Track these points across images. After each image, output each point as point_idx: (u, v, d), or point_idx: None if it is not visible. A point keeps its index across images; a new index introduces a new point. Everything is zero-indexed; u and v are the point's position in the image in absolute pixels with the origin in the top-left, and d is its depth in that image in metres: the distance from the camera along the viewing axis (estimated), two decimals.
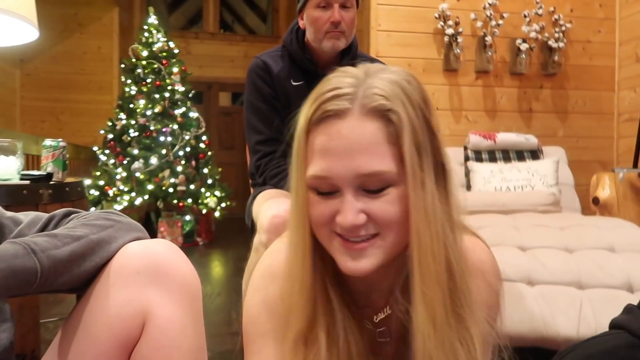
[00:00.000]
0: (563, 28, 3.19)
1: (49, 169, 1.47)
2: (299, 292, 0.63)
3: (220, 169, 4.97)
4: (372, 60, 1.65)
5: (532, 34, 3.15)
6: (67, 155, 1.56)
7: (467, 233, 0.68)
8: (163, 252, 0.70)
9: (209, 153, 4.82)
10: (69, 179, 1.56)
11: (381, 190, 0.57)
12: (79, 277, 0.67)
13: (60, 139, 1.55)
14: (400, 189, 0.57)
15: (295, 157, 0.62)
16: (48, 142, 1.51)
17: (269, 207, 1.32)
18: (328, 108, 0.58)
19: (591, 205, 2.58)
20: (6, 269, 0.58)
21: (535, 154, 2.93)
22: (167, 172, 4.37)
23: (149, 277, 0.68)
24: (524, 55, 3.17)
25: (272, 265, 0.69)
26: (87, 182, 4.25)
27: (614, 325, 0.73)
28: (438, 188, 0.58)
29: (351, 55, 1.56)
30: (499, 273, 0.72)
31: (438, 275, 0.57)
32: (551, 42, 3.18)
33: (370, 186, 0.57)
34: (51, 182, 1.40)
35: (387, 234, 0.58)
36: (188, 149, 4.58)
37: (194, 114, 4.72)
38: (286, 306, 0.64)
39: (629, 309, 0.73)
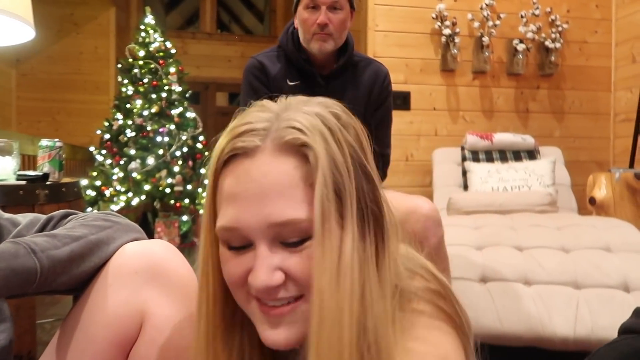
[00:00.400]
0: (560, 29, 3.20)
1: (45, 169, 1.46)
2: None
3: None
4: (370, 61, 1.64)
5: (529, 35, 3.15)
6: (64, 156, 1.56)
7: (411, 304, 0.51)
8: (161, 252, 0.71)
9: (206, 153, 4.81)
10: (66, 180, 1.55)
11: (301, 243, 0.47)
12: (77, 277, 0.67)
13: (56, 139, 1.54)
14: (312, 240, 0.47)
15: (205, 205, 0.53)
16: (44, 142, 1.50)
17: None
18: (237, 145, 0.48)
19: (588, 205, 2.59)
20: (6, 268, 0.58)
21: (532, 154, 2.94)
22: (164, 173, 4.36)
23: (146, 277, 0.68)
24: (520, 56, 3.18)
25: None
26: (84, 182, 4.23)
27: (625, 329, 0.72)
28: (363, 245, 0.47)
29: (347, 55, 1.54)
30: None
31: (342, 351, 0.44)
32: (548, 43, 3.18)
33: (288, 238, 0.47)
34: (47, 183, 1.39)
35: (302, 301, 0.48)
36: (185, 149, 4.58)
37: (191, 114, 4.71)
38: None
39: (638, 312, 0.72)
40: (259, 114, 0.50)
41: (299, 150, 0.47)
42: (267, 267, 0.46)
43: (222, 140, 0.50)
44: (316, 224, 0.45)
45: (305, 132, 0.47)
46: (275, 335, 0.48)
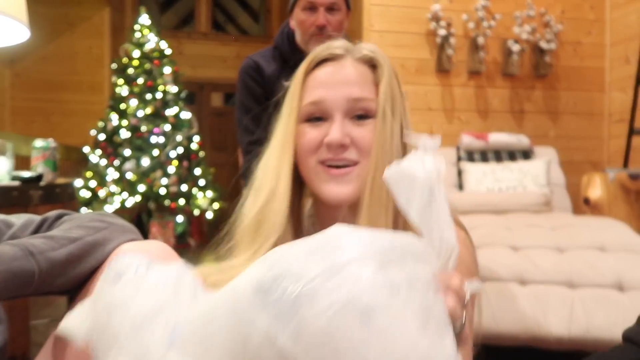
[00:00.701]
0: (554, 29, 3.22)
1: (40, 169, 1.45)
2: (277, 208, 0.65)
3: (212, 170, 4.95)
4: None
5: (524, 35, 3.17)
6: (58, 156, 1.55)
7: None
8: (157, 252, 0.71)
9: (201, 154, 4.81)
10: (60, 180, 1.54)
11: (365, 118, 0.65)
12: (74, 278, 0.67)
13: (50, 140, 1.54)
14: (374, 125, 0.65)
15: (290, 97, 0.69)
16: (38, 142, 1.49)
17: None
18: (324, 54, 0.68)
19: (582, 205, 2.60)
20: (5, 271, 0.58)
21: (527, 155, 2.95)
22: (158, 173, 4.35)
23: None
24: (515, 57, 3.19)
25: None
26: (78, 183, 4.22)
27: (626, 337, 0.71)
28: (399, 139, 0.65)
29: None
30: (471, 241, 0.72)
31: (387, 202, 0.60)
32: (542, 44, 3.20)
33: (357, 111, 0.65)
34: (41, 183, 1.38)
35: (363, 164, 0.64)
36: (180, 150, 4.56)
37: (186, 115, 4.70)
38: (260, 218, 0.66)
39: None
40: (334, 43, 0.70)
41: (370, 62, 0.68)
42: (341, 129, 0.63)
43: (313, 53, 0.70)
44: (379, 107, 0.64)
45: (375, 53, 0.68)
46: (337, 189, 0.63)
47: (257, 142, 1.52)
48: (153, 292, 0.49)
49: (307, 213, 0.73)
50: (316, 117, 0.66)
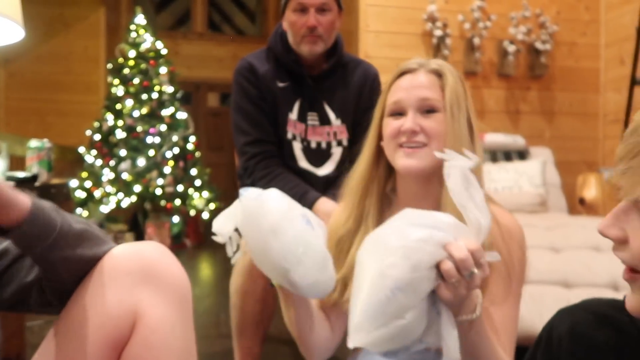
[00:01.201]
0: (549, 30, 3.23)
1: (35, 170, 1.45)
2: (359, 175, 0.94)
3: (208, 170, 4.94)
4: (359, 61, 1.65)
5: (519, 36, 3.18)
6: (53, 156, 1.55)
7: (490, 201, 0.90)
8: (153, 253, 0.72)
9: (197, 154, 4.80)
10: (55, 181, 1.54)
11: (431, 112, 0.87)
12: (79, 261, 0.68)
13: (45, 140, 1.53)
14: (442, 118, 0.86)
15: (380, 100, 0.94)
16: (33, 143, 1.49)
17: None
18: (404, 68, 0.92)
19: (577, 205, 2.61)
20: (37, 208, 0.63)
21: (522, 155, 2.96)
22: (154, 174, 4.34)
23: (139, 278, 0.69)
24: (511, 57, 3.20)
25: None
26: (73, 183, 4.20)
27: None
28: (466, 127, 0.87)
29: (337, 56, 1.54)
30: (524, 238, 0.94)
31: None
32: (538, 44, 3.21)
33: (425, 107, 0.87)
34: (36, 184, 1.38)
35: (432, 146, 0.85)
36: (176, 150, 4.55)
37: (182, 115, 4.69)
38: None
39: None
40: (411, 61, 0.92)
41: (437, 73, 0.89)
42: (413, 120, 0.87)
43: (398, 68, 0.93)
44: (447, 105, 0.86)
45: (441, 66, 0.90)
46: (408, 162, 0.86)
47: (253, 143, 1.51)
48: (280, 200, 0.75)
49: (390, 186, 0.98)
50: (397, 112, 0.89)
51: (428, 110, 0.87)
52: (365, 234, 0.75)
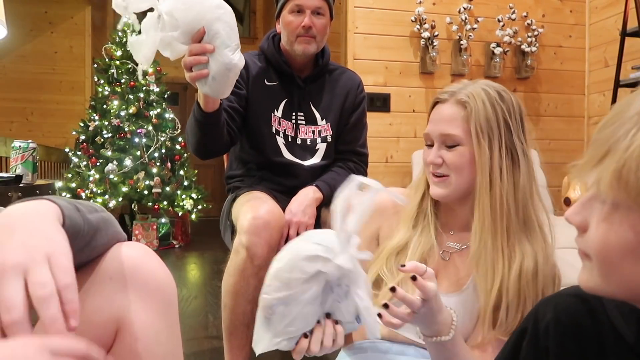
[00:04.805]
0: (535, 33, 3.27)
1: (19, 170, 1.43)
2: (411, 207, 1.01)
3: (196, 171, 4.91)
4: (344, 69, 1.75)
5: (506, 39, 3.21)
6: (38, 157, 1.53)
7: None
8: (136, 256, 0.68)
9: (185, 155, 4.77)
10: (40, 182, 1.52)
11: (453, 147, 0.92)
12: (91, 251, 0.65)
13: (30, 140, 1.51)
14: (467, 150, 0.91)
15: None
16: (17, 143, 1.47)
17: (250, 208, 1.36)
18: (439, 97, 0.96)
19: (563, 205, 2.65)
20: (67, 217, 0.57)
21: None
22: (142, 174, 4.30)
23: (122, 282, 0.66)
24: (498, 59, 3.23)
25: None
26: (59, 184, 4.15)
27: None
28: (501, 150, 0.90)
29: (325, 60, 1.65)
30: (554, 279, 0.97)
31: (491, 211, 0.89)
32: (524, 47, 3.24)
33: (448, 142, 0.92)
34: (21, 184, 1.36)
35: (454, 178, 0.92)
36: (163, 151, 4.52)
37: (169, 115, 4.66)
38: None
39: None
40: (444, 90, 0.96)
41: (462, 104, 0.92)
42: (436, 153, 0.94)
43: (434, 97, 0.98)
44: (473, 137, 0.90)
45: (469, 96, 0.92)
46: (435, 190, 0.95)
47: None
48: None
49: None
50: (427, 143, 0.98)
51: (450, 145, 0.92)
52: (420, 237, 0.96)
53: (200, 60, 1.14)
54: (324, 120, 1.63)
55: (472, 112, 0.90)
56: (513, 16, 3.22)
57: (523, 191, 0.91)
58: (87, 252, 0.64)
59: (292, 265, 0.69)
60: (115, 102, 4.42)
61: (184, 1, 1.08)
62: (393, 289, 0.73)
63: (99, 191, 4.18)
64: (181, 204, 4.49)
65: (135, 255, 0.68)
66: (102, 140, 4.41)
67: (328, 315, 0.73)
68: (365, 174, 1.68)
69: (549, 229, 0.95)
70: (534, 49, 3.25)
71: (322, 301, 0.72)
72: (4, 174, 1.38)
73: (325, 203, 1.51)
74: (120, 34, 4.62)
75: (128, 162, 4.29)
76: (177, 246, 4.58)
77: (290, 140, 1.61)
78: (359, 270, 0.70)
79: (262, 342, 0.73)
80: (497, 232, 0.89)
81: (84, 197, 4.16)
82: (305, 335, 0.72)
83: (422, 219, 0.99)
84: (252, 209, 1.35)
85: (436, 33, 3.13)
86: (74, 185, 4.22)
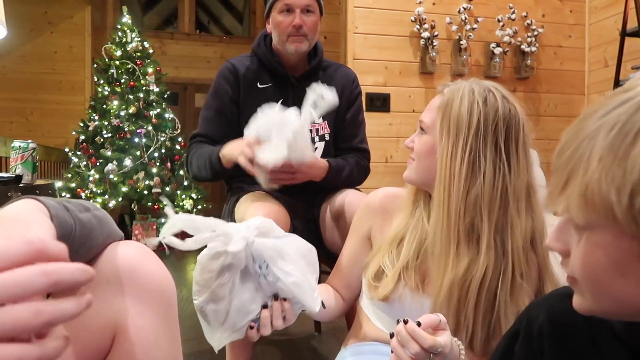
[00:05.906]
0: (535, 33, 3.27)
1: (18, 170, 1.43)
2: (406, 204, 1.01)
3: None
4: (339, 65, 1.73)
5: (506, 39, 3.21)
6: (37, 157, 1.53)
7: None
8: (134, 256, 0.65)
9: (185, 155, 4.77)
10: (39, 182, 1.52)
11: (423, 132, 0.96)
12: (87, 252, 0.62)
13: (29, 140, 1.51)
14: (431, 139, 0.93)
15: None
16: (17, 143, 1.47)
17: (256, 209, 1.37)
18: (438, 89, 1.00)
19: None
20: (55, 216, 0.55)
21: None
22: (141, 174, 4.30)
23: (119, 285, 0.63)
24: (497, 59, 3.23)
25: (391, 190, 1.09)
26: (59, 184, 4.14)
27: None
28: (464, 165, 0.87)
29: (318, 57, 1.63)
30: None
31: (443, 207, 0.89)
32: (524, 47, 3.25)
33: (421, 128, 0.96)
34: (20, 184, 1.36)
35: (416, 163, 0.96)
36: (163, 151, 4.52)
37: (169, 115, 4.65)
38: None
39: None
40: (457, 80, 0.99)
41: (443, 97, 0.94)
42: (412, 137, 1.00)
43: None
44: (437, 130, 0.92)
45: (452, 92, 0.93)
46: (405, 172, 1.00)
47: (198, 137, 1.63)
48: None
49: None
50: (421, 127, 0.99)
51: (422, 132, 0.97)
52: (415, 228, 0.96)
53: (281, 179, 1.33)
54: (321, 118, 1.62)
55: (447, 106, 0.91)
56: (513, 16, 3.22)
57: (475, 201, 0.86)
58: (82, 254, 0.61)
59: (202, 268, 0.74)
60: (115, 102, 4.42)
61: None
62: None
63: (98, 191, 4.18)
64: (181, 204, 4.49)
65: (132, 256, 0.65)
66: (102, 140, 4.41)
67: (276, 297, 0.77)
68: (368, 170, 1.67)
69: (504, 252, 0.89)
70: (533, 49, 3.25)
71: (257, 286, 0.77)
72: (3, 174, 1.38)
73: (328, 179, 1.49)
74: (120, 34, 4.62)
75: (128, 162, 4.29)
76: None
77: None
78: (272, 246, 0.76)
79: (213, 341, 0.79)
80: (450, 228, 0.87)
81: (83, 197, 4.16)
82: (250, 326, 0.77)
83: (417, 209, 1.00)
84: (258, 210, 1.36)
85: (436, 33, 3.13)
86: (73, 185, 4.22)
